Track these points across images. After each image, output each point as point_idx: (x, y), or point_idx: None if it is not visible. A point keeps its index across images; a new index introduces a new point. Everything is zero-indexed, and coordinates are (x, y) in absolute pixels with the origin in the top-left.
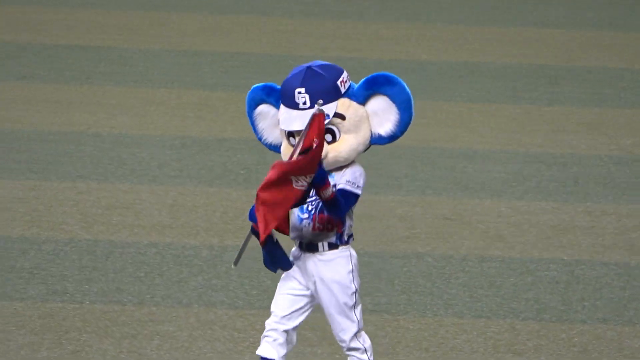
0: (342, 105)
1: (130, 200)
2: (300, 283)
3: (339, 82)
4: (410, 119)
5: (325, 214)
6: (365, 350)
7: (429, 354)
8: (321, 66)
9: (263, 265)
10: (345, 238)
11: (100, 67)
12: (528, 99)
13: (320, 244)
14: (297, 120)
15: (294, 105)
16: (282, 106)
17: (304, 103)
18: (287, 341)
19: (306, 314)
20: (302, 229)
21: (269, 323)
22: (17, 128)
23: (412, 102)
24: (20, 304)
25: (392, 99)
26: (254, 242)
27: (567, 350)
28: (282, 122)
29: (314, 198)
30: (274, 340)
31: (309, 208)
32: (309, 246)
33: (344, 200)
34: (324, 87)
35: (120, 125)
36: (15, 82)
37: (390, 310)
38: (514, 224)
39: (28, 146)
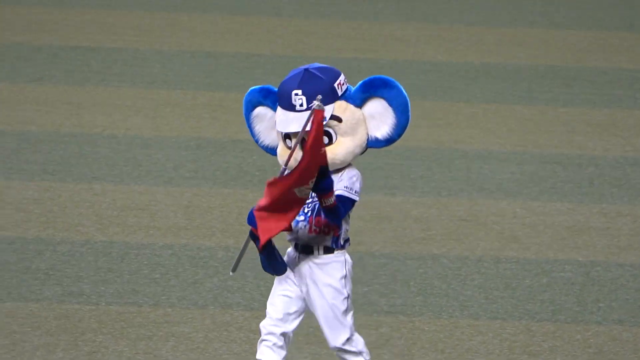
0: (339, 107)
1: (146, 202)
2: (295, 284)
3: (336, 85)
4: (407, 123)
5: (323, 217)
6: (360, 352)
7: (445, 355)
8: (318, 68)
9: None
10: (342, 242)
11: (115, 68)
12: (543, 100)
13: (315, 247)
14: (294, 122)
15: (291, 107)
16: (279, 108)
17: (301, 105)
18: (285, 344)
19: (302, 316)
20: (298, 231)
21: (265, 326)
22: (32, 130)
23: (409, 105)
24: (35, 305)
25: (389, 102)
26: (250, 246)
27: (582, 352)
28: (278, 124)
29: (310, 200)
30: (273, 344)
31: (306, 210)
32: (305, 248)
33: (342, 206)
34: (321, 90)
35: (136, 126)
36: (30, 84)
37: (405, 311)
38: (530, 225)
39: (43, 148)
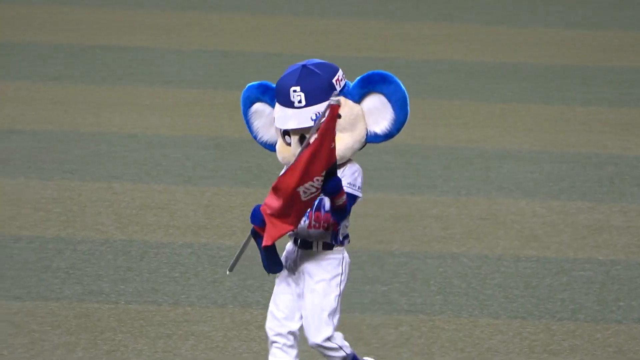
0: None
1: (165, 201)
2: (295, 284)
3: (334, 81)
4: (406, 118)
5: (322, 212)
6: (340, 347)
7: (464, 354)
8: (317, 64)
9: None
10: (340, 238)
11: (133, 67)
12: (562, 99)
13: (314, 243)
14: (293, 118)
15: (289, 104)
16: (277, 104)
17: (299, 102)
18: (295, 342)
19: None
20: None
21: (271, 328)
22: (51, 129)
23: (408, 100)
24: (55, 304)
25: (388, 97)
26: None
27: (602, 351)
28: (277, 120)
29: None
30: (283, 344)
31: None
32: (304, 244)
33: (347, 204)
34: (320, 86)
35: (154, 126)
36: (49, 83)
37: (425, 310)
38: (549, 224)
39: (62, 147)
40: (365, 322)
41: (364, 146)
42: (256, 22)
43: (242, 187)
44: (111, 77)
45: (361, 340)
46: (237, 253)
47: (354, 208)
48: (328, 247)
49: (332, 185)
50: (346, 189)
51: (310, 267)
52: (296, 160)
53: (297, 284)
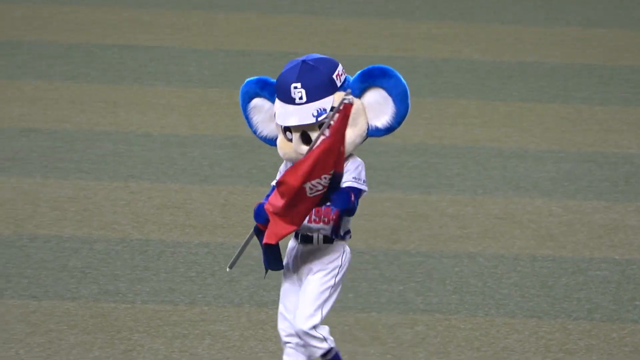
0: (339, 99)
1: (182, 200)
2: (299, 280)
3: (334, 76)
4: (407, 111)
5: (323, 207)
6: (325, 339)
7: (480, 353)
8: (316, 60)
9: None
10: (341, 233)
11: (151, 66)
12: (579, 98)
13: (315, 237)
14: (294, 115)
15: (290, 101)
16: (277, 100)
17: (300, 98)
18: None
19: None
20: None
21: (284, 329)
22: (67, 128)
23: (408, 94)
24: (72, 303)
25: (389, 91)
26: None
27: (618, 350)
28: (278, 116)
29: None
30: (296, 343)
31: None
32: (305, 238)
33: (354, 198)
34: (320, 82)
35: (171, 125)
36: (65, 82)
37: (441, 309)
38: (566, 224)
39: (78, 146)
40: (382, 321)
41: (364, 140)
42: (274, 21)
43: (259, 186)
44: (128, 76)
45: (377, 340)
46: (238, 250)
47: (370, 209)
48: (328, 241)
49: (340, 200)
50: (352, 183)
51: (311, 261)
52: (304, 157)
53: (301, 281)
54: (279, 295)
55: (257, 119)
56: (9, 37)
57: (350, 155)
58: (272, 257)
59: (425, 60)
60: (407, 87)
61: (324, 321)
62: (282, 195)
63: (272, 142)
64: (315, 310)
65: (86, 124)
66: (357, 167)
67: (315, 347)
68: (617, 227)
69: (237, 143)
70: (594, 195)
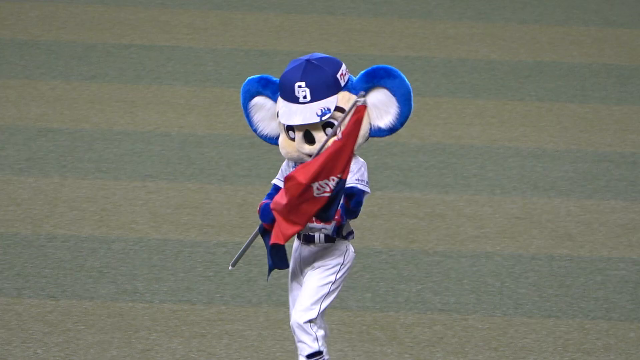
0: (343, 98)
1: (200, 200)
2: (304, 280)
3: (338, 75)
4: (410, 112)
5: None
6: (317, 339)
7: (498, 353)
8: (320, 59)
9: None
10: (343, 233)
11: (169, 66)
12: (597, 98)
13: (317, 236)
14: (298, 114)
15: (294, 99)
16: (280, 99)
17: (304, 97)
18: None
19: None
20: None
21: None
22: (86, 127)
23: (412, 95)
24: (89, 303)
25: (393, 92)
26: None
27: (636, 349)
28: (281, 115)
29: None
30: None
31: None
32: (307, 238)
33: (359, 199)
34: (325, 81)
35: (189, 124)
36: (84, 82)
37: (459, 309)
38: (583, 223)
39: (97, 146)
40: (399, 321)
41: (366, 140)
42: (292, 21)
43: None
44: (147, 76)
45: (395, 339)
46: (241, 249)
47: (388, 208)
48: (330, 240)
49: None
50: (356, 184)
51: (313, 259)
52: (316, 158)
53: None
54: None
55: (258, 117)
56: (27, 37)
57: (353, 155)
58: (278, 257)
59: (443, 60)
60: (411, 88)
61: (328, 330)
62: (287, 191)
63: (272, 140)
64: (312, 304)
65: (104, 123)
66: (360, 169)
67: (304, 343)
68: (635, 226)
69: (255, 143)
70: (611, 194)
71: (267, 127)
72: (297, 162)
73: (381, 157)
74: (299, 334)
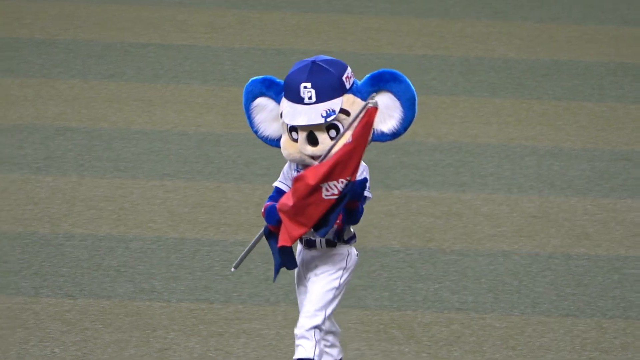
0: (347, 101)
1: (217, 199)
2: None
3: (344, 78)
4: (414, 117)
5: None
6: (315, 347)
7: (516, 352)
8: (326, 61)
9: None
10: (345, 238)
11: (186, 65)
12: (614, 96)
13: (318, 240)
14: (302, 115)
15: (299, 100)
16: (284, 100)
17: (310, 98)
18: (336, 340)
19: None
20: None
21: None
22: (103, 126)
23: (417, 100)
24: (107, 302)
25: (397, 96)
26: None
27: None
28: (285, 116)
29: None
30: (323, 345)
31: None
32: (308, 242)
33: (360, 205)
34: (331, 82)
35: (207, 123)
36: (102, 81)
37: (477, 308)
38: (601, 222)
39: (114, 144)
40: (417, 320)
41: (368, 144)
42: (309, 20)
43: None
44: (164, 75)
45: (413, 338)
46: (245, 250)
47: (405, 207)
48: (331, 244)
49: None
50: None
51: (315, 264)
52: (325, 160)
53: (307, 285)
54: None
55: (260, 118)
56: (45, 35)
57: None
58: (287, 257)
59: (460, 58)
60: (416, 94)
61: (339, 330)
62: (295, 191)
63: (272, 142)
64: (317, 310)
65: (122, 122)
66: (362, 173)
67: (302, 347)
68: None
69: None
70: (628, 193)
71: (269, 128)
72: (299, 163)
73: (398, 156)
74: (301, 338)
